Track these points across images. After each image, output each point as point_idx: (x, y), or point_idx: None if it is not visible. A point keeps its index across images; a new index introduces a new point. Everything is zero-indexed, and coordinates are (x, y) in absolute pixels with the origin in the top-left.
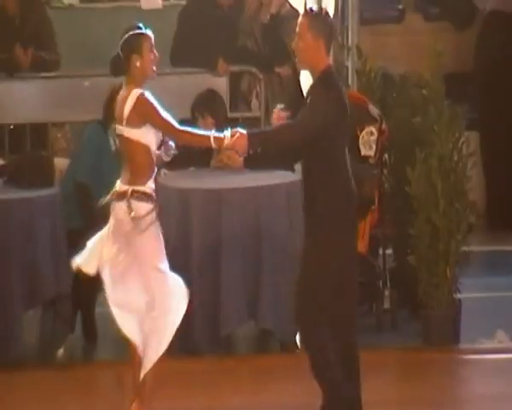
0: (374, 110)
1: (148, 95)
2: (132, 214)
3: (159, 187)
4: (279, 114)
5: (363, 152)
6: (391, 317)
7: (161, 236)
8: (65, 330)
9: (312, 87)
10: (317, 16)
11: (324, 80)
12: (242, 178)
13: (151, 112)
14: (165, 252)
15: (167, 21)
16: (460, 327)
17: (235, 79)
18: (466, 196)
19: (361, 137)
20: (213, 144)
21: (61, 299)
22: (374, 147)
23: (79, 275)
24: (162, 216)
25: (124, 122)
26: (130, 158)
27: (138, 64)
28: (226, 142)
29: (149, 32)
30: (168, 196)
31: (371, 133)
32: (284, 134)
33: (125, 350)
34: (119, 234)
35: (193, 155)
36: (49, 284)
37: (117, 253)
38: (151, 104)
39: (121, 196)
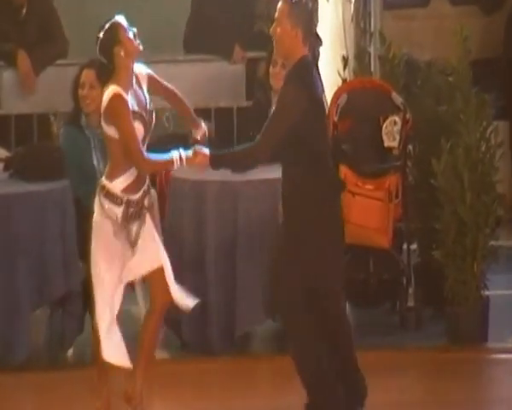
0: (397, 99)
1: (123, 97)
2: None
3: (171, 179)
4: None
5: (387, 143)
6: (415, 315)
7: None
8: (75, 329)
9: (286, 78)
10: (297, 4)
11: (298, 72)
12: (259, 169)
13: (118, 118)
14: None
15: (179, 6)
16: (488, 325)
17: (251, 66)
18: (494, 189)
19: (384, 127)
20: (177, 165)
21: (71, 297)
22: (397, 137)
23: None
24: (175, 210)
25: (102, 117)
26: (108, 152)
27: (122, 54)
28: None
29: (120, 19)
30: (181, 188)
31: (395, 123)
32: (247, 158)
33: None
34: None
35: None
36: (58, 281)
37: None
38: (122, 109)
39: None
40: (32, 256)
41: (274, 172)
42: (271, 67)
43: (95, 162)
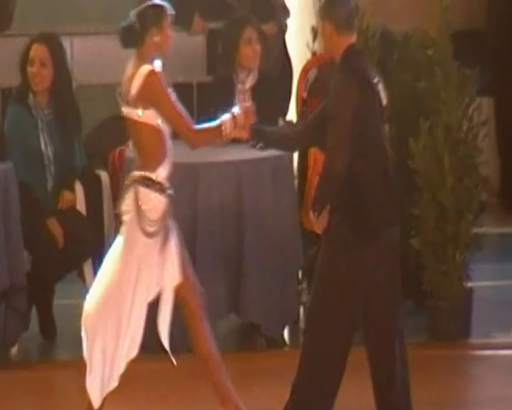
0: None
1: (160, 73)
2: (139, 203)
3: (125, 160)
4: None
5: None
6: None
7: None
8: (19, 326)
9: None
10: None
11: (342, 68)
12: (223, 150)
13: (160, 95)
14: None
15: None
16: (471, 320)
17: (213, 38)
18: (477, 171)
19: None
20: (227, 131)
21: (15, 291)
22: None
23: (35, 264)
24: None
25: (131, 103)
26: (138, 141)
27: (157, 39)
28: (238, 120)
29: (169, 7)
30: None
31: None
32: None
33: None
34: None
35: None
36: (0, 274)
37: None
38: (162, 85)
39: (129, 184)
40: None
41: (238, 154)
42: (244, 45)
43: (42, 145)
